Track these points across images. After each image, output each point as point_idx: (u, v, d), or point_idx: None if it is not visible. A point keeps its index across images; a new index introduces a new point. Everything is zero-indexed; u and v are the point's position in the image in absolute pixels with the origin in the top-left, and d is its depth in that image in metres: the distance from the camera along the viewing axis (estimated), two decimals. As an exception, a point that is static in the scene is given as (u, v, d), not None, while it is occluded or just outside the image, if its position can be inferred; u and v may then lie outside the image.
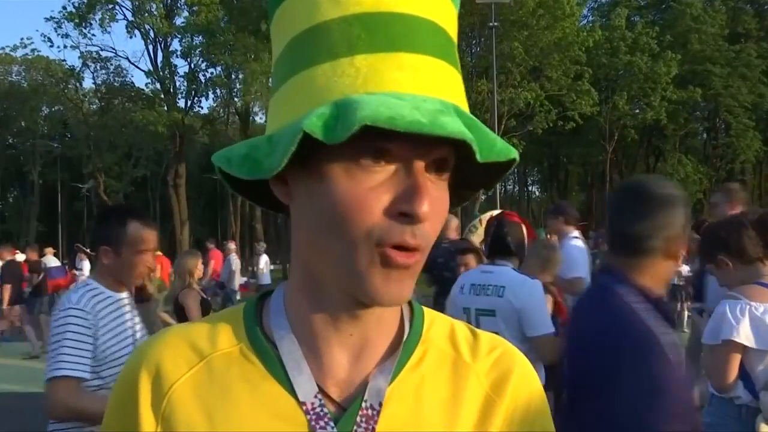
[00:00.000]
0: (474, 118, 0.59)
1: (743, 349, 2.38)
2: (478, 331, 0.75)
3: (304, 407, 0.63)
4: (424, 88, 0.58)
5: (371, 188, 0.58)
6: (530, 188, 56.39)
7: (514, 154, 0.61)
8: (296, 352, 0.66)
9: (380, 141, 0.56)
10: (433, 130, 0.53)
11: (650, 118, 32.75)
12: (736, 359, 2.39)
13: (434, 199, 0.59)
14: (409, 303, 0.73)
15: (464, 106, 0.61)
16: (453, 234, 6.53)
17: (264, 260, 13.84)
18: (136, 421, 0.66)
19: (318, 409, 0.63)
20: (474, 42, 32.55)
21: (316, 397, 0.64)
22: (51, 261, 13.54)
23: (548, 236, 6.96)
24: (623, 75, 33.09)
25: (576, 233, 5.76)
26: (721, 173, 39.40)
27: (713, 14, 34.23)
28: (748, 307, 2.36)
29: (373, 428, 0.63)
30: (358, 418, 0.63)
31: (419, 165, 0.58)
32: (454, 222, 6.77)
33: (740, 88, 33.81)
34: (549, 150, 41.68)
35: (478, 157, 0.57)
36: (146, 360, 0.68)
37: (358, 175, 0.58)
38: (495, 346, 0.73)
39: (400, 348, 0.68)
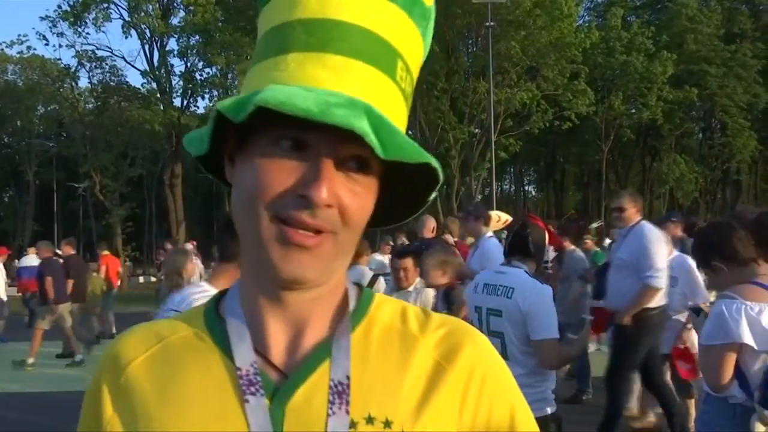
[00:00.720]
0: (388, 120, 0.62)
1: (739, 348, 2.39)
2: (432, 312, 0.78)
3: (239, 372, 0.68)
4: (339, 85, 0.64)
5: (281, 170, 0.64)
6: (527, 188, 56.47)
7: (427, 158, 0.64)
8: (240, 325, 0.71)
9: (296, 131, 0.63)
10: (322, 117, 0.58)
11: (646, 117, 32.85)
12: (732, 359, 2.40)
13: (347, 191, 0.65)
14: (360, 287, 0.78)
15: (386, 110, 0.66)
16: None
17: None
18: (99, 399, 0.73)
19: (252, 376, 0.68)
20: (471, 42, 32.56)
21: (252, 365, 0.68)
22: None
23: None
24: (619, 75, 33.16)
25: (490, 233, 5.97)
26: (716, 173, 39.54)
27: (709, 14, 34.34)
28: (743, 306, 2.37)
29: (347, 401, 0.67)
30: (331, 396, 0.66)
31: (326, 158, 0.64)
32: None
33: (736, 88, 33.92)
34: (545, 149, 41.76)
35: (378, 152, 0.60)
36: (111, 349, 0.76)
37: (274, 159, 0.64)
38: (446, 322, 0.75)
39: (347, 323, 0.72)
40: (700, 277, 4.96)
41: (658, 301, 4.60)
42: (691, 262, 4.93)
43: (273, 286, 0.68)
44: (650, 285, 4.51)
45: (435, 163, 0.65)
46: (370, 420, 0.66)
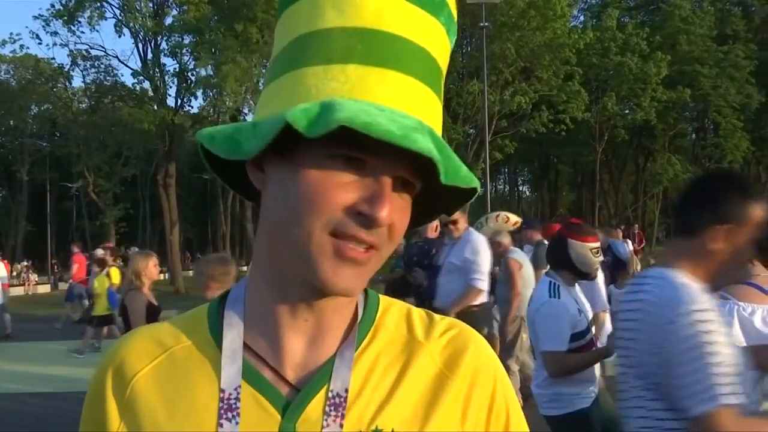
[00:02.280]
0: (445, 143, 0.62)
1: None
2: (437, 315, 0.78)
3: (221, 395, 0.67)
4: (404, 105, 0.63)
5: (338, 185, 0.62)
6: (521, 188, 56.59)
7: (476, 183, 0.66)
8: (236, 343, 0.69)
9: (355, 150, 0.61)
10: (405, 143, 0.57)
11: (640, 118, 32.96)
12: None
13: (396, 210, 0.64)
14: (365, 291, 0.77)
15: (438, 131, 0.66)
16: (432, 234, 6.69)
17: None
18: (103, 411, 0.71)
19: (232, 401, 0.67)
20: (465, 42, 32.60)
21: (235, 389, 0.67)
22: None
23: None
24: (613, 75, 33.27)
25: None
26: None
27: (702, 15, 34.50)
28: (736, 307, 2.39)
29: (343, 414, 0.66)
30: (327, 408, 0.66)
31: (387, 176, 0.63)
32: (434, 222, 6.88)
33: (728, 89, 34.09)
34: (539, 150, 41.86)
35: (442, 178, 0.61)
36: (113, 357, 0.73)
37: (329, 172, 0.62)
38: (450, 328, 0.76)
39: (354, 333, 0.71)
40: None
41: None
42: None
43: (306, 294, 0.67)
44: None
45: (479, 187, 0.67)
46: None
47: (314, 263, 0.63)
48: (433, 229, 6.68)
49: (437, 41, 0.68)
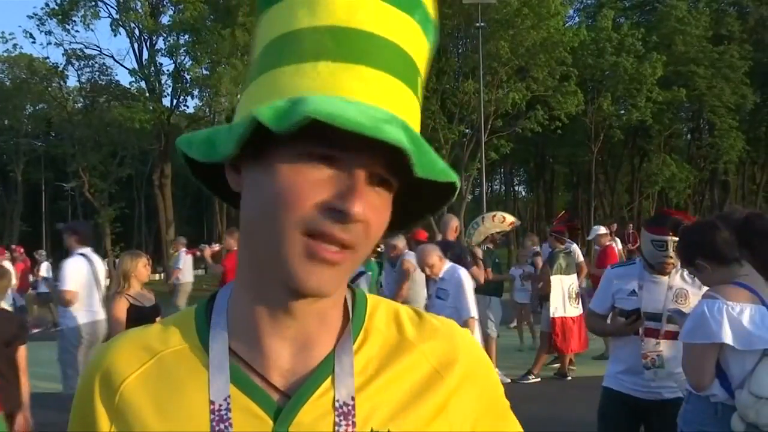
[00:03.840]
0: (420, 137, 0.62)
1: (719, 348, 2.42)
2: (426, 314, 0.78)
3: (211, 407, 0.66)
4: (376, 99, 0.62)
5: (311, 183, 0.62)
6: (516, 188, 56.63)
7: (454, 177, 0.65)
8: (222, 352, 0.69)
9: (326, 147, 0.61)
10: (374, 133, 0.57)
11: (635, 118, 32.99)
12: (712, 358, 2.43)
13: (372, 206, 0.64)
14: (353, 291, 0.77)
15: (413, 125, 0.65)
16: (452, 235, 6.68)
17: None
18: (93, 418, 0.70)
19: (223, 412, 0.66)
20: (460, 42, 32.60)
21: (225, 399, 0.66)
22: None
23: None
24: (609, 76, 33.31)
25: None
26: (704, 173, 39.81)
27: (697, 16, 34.56)
28: (725, 306, 2.40)
29: (354, 422, 0.66)
30: (337, 418, 0.66)
31: (360, 171, 0.63)
32: (454, 222, 6.92)
33: (724, 89, 34.16)
34: (535, 150, 41.87)
35: (416, 170, 0.60)
36: (101, 362, 0.72)
37: (301, 170, 0.62)
38: (441, 326, 0.76)
39: (348, 337, 0.71)
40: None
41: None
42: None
43: (284, 296, 0.66)
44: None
45: (458, 182, 0.66)
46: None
47: (287, 264, 0.62)
48: (453, 230, 6.70)
49: (411, 38, 0.68)
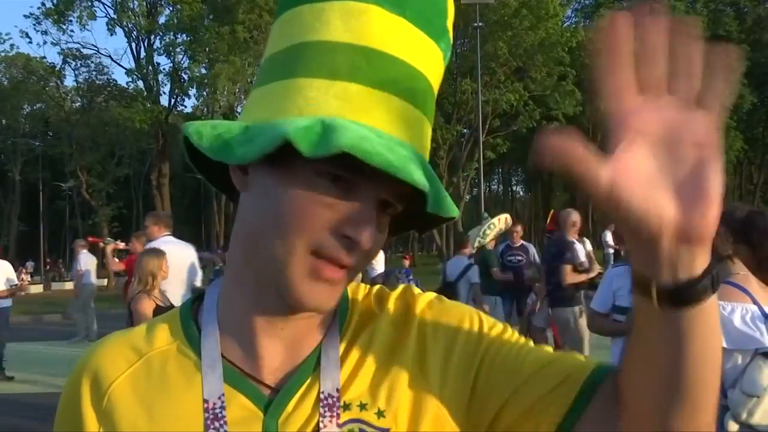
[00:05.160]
0: (434, 174, 0.64)
1: None
2: (387, 290, 0.78)
3: (205, 405, 0.67)
4: (401, 133, 0.64)
5: (325, 205, 0.62)
6: (515, 188, 56.71)
7: (456, 213, 0.66)
8: (214, 351, 0.69)
9: (346, 171, 0.61)
10: (403, 175, 0.58)
11: (633, 118, 33.04)
12: None
13: (376, 233, 0.65)
14: None
15: (427, 157, 0.68)
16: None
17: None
18: (80, 421, 0.69)
19: (217, 410, 0.66)
20: (458, 42, 32.63)
21: (219, 398, 0.67)
22: None
23: None
24: (607, 76, 33.35)
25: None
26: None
27: (695, 16, 34.63)
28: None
29: (338, 414, 0.66)
30: (322, 409, 0.66)
31: (373, 199, 0.64)
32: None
33: (721, 89, 34.23)
34: (533, 149, 41.93)
35: (429, 208, 0.61)
36: (87, 364, 0.72)
37: (317, 190, 0.62)
38: (399, 293, 0.77)
39: (335, 331, 0.72)
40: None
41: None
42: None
43: (280, 306, 0.67)
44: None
45: (458, 215, 0.67)
46: (361, 408, 0.67)
47: (290, 281, 0.63)
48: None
49: (435, 67, 0.69)
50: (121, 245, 9.34)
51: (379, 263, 7.98)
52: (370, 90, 0.63)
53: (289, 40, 0.67)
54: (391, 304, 0.75)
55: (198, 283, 5.72)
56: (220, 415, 0.66)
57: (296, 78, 0.64)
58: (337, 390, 0.68)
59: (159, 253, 4.69)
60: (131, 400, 0.68)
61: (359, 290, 0.78)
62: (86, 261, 11.96)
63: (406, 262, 15.11)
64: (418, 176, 0.59)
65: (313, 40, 0.65)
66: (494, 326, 0.73)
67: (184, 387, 0.68)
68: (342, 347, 0.71)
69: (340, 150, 0.56)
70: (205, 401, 0.67)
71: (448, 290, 7.01)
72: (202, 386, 0.68)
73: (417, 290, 0.77)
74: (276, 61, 0.68)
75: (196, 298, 0.77)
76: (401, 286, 0.78)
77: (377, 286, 0.79)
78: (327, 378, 0.68)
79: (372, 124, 0.62)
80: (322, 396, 0.67)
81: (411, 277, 10.58)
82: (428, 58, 0.68)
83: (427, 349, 0.71)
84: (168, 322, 0.75)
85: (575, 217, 6.55)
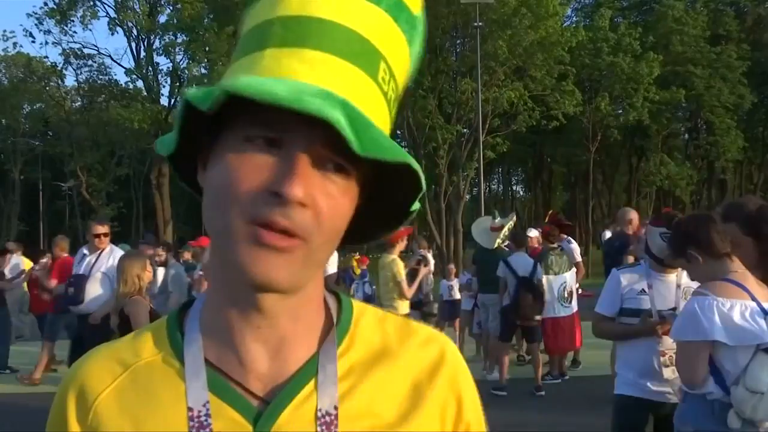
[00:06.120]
0: (365, 116, 0.58)
1: (712, 345, 2.43)
2: (413, 323, 0.77)
3: (190, 413, 0.65)
4: (316, 79, 0.61)
5: (253, 167, 0.60)
6: (514, 188, 56.72)
7: (407, 158, 0.60)
8: (197, 358, 0.67)
9: (266, 129, 0.61)
10: (293, 104, 0.55)
11: (633, 118, 33.05)
12: (705, 355, 2.44)
13: (324, 192, 0.61)
14: (338, 298, 0.76)
15: (364, 107, 0.61)
16: (629, 228, 6.96)
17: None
18: None
19: (203, 418, 0.64)
20: (458, 42, 32.64)
21: (204, 405, 0.65)
22: None
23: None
24: (606, 75, 33.35)
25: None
26: (702, 173, 39.89)
27: (695, 16, 34.63)
28: (715, 303, 2.41)
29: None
30: (319, 428, 0.64)
31: (302, 153, 0.60)
32: (630, 214, 7.26)
33: (721, 89, 34.23)
34: (533, 150, 41.94)
35: (355, 147, 0.57)
36: (73, 379, 0.70)
37: (245, 155, 0.61)
38: (427, 337, 0.75)
39: (333, 344, 0.70)
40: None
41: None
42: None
43: (249, 292, 0.64)
44: None
45: (415, 165, 0.61)
46: None
47: (234, 251, 0.60)
48: (627, 222, 7.04)
49: (374, 25, 0.66)
50: (45, 259, 9.13)
51: (331, 264, 7.89)
52: (282, 49, 0.63)
53: (245, 28, 0.70)
54: (419, 349, 0.73)
55: None
56: (205, 423, 0.64)
57: (231, 65, 0.68)
58: (335, 408, 0.65)
59: (140, 256, 4.69)
60: (117, 414, 0.67)
61: (367, 311, 0.76)
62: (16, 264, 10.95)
63: (363, 265, 13.94)
64: (312, 105, 0.55)
65: (247, 30, 0.69)
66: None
67: (170, 397, 0.66)
68: (341, 364, 0.69)
69: (222, 89, 0.56)
70: (190, 409, 0.65)
71: (527, 286, 7.18)
72: (186, 394, 0.66)
73: (453, 347, 0.76)
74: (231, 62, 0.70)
75: (185, 304, 0.75)
76: (437, 333, 0.76)
77: (400, 317, 0.77)
78: (324, 394, 0.66)
79: (280, 75, 0.61)
80: (319, 413, 0.65)
81: (366, 279, 10.51)
82: (361, 17, 0.65)
83: (432, 415, 0.71)
84: (154, 331, 0.73)
85: (631, 215, 7.22)
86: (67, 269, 7.36)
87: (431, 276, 8.54)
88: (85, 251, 6.52)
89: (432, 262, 7.80)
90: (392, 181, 0.65)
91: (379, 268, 7.04)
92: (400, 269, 6.82)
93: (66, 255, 8.44)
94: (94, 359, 0.72)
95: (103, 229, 6.53)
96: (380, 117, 0.66)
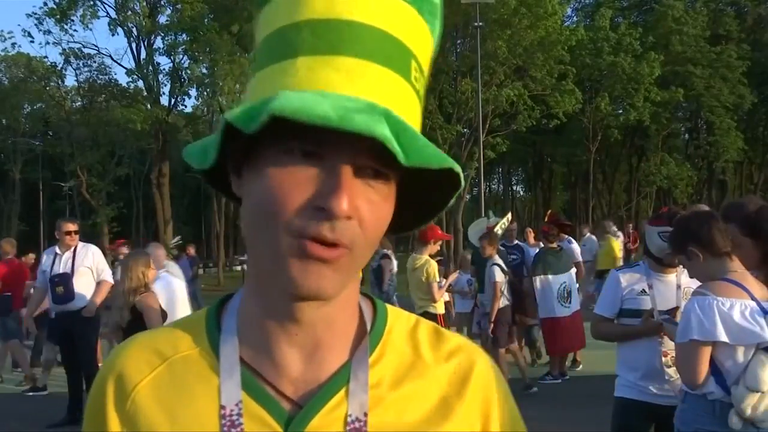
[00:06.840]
0: (407, 124, 0.58)
1: (713, 344, 2.43)
2: (445, 332, 0.76)
3: (222, 411, 0.66)
4: (355, 89, 0.60)
5: (297, 183, 0.60)
6: (515, 187, 56.72)
7: (450, 162, 0.61)
8: (233, 357, 0.68)
9: (307, 144, 0.60)
10: (341, 124, 0.54)
11: (633, 118, 33.05)
12: (706, 355, 2.43)
13: (367, 201, 0.61)
14: (374, 303, 0.76)
15: (403, 113, 0.62)
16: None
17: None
18: (104, 421, 0.70)
19: (234, 417, 0.65)
20: (458, 42, 32.64)
21: (237, 404, 0.66)
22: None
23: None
24: (606, 75, 33.36)
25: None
26: (702, 173, 39.89)
27: (695, 16, 34.64)
28: (715, 302, 2.41)
29: None
30: None
31: (344, 166, 0.60)
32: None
33: (721, 89, 34.23)
34: (533, 149, 41.95)
35: (401, 159, 0.57)
36: (113, 367, 0.72)
37: (287, 169, 0.60)
38: (458, 348, 0.74)
39: (365, 351, 0.70)
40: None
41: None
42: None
43: (287, 302, 0.65)
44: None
45: (458, 168, 0.63)
46: None
47: (281, 265, 0.61)
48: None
49: (402, 21, 0.65)
50: None
51: None
52: (316, 58, 0.61)
53: (257, 42, 0.68)
54: (449, 360, 0.73)
55: None
56: (237, 422, 0.65)
57: (257, 73, 0.66)
58: (365, 414, 0.66)
59: (144, 254, 4.82)
60: (153, 405, 0.68)
61: (401, 318, 0.76)
62: None
63: None
64: (360, 123, 0.54)
65: (269, 33, 0.66)
66: None
67: (204, 393, 0.68)
68: (372, 373, 0.69)
69: (269, 113, 0.55)
70: (222, 407, 0.66)
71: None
72: (219, 392, 0.67)
73: (484, 358, 0.75)
74: (251, 65, 0.69)
75: (223, 299, 0.76)
76: (467, 343, 0.76)
77: (432, 324, 0.77)
78: (355, 401, 0.66)
79: (317, 87, 0.59)
80: (349, 419, 0.65)
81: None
82: (387, 14, 0.64)
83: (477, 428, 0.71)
84: (192, 324, 0.74)
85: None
86: (14, 272, 7.42)
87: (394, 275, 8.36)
88: (58, 250, 6.59)
89: (395, 262, 7.71)
90: (429, 178, 0.64)
91: (409, 270, 6.96)
92: (435, 271, 6.81)
93: (11, 257, 8.59)
94: (132, 348, 0.73)
95: (73, 226, 6.73)
96: (415, 118, 0.66)
